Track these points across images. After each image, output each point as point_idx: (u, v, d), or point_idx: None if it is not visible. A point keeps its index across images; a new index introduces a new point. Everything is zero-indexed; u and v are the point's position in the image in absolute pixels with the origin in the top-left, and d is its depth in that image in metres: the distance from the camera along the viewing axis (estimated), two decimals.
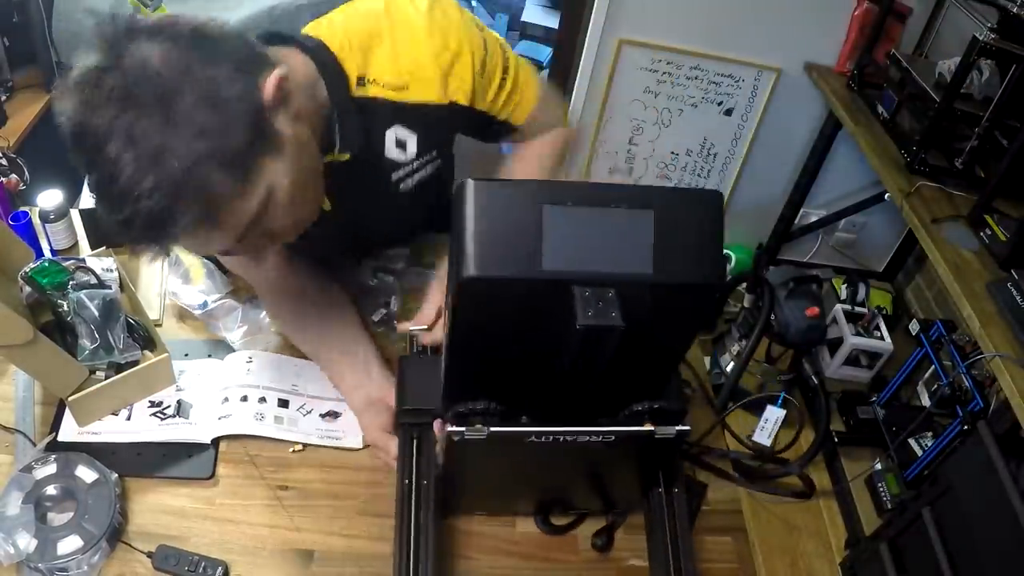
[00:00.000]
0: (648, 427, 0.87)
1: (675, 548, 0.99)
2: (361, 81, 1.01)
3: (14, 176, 1.71)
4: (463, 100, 1.08)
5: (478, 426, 0.83)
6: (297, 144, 0.85)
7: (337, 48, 0.99)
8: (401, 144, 1.08)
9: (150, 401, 1.15)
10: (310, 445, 1.13)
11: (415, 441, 1.01)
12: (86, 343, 1.10)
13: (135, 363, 1.14)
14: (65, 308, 1.09)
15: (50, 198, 1.32)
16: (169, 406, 1.15)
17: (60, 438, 1.09)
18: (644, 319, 0.75)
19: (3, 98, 2.15)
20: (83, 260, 1.16)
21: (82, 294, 1.09)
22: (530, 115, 1.18)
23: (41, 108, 2.19)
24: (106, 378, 1.10)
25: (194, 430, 1.12)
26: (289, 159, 0.83)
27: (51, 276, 1.10)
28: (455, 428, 0.82)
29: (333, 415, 1.18)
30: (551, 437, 0.84)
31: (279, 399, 1.17)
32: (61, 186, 1.35)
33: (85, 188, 1.34)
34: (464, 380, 0.89)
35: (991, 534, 1.72)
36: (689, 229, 0.76)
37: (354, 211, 1.08)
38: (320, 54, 0.97)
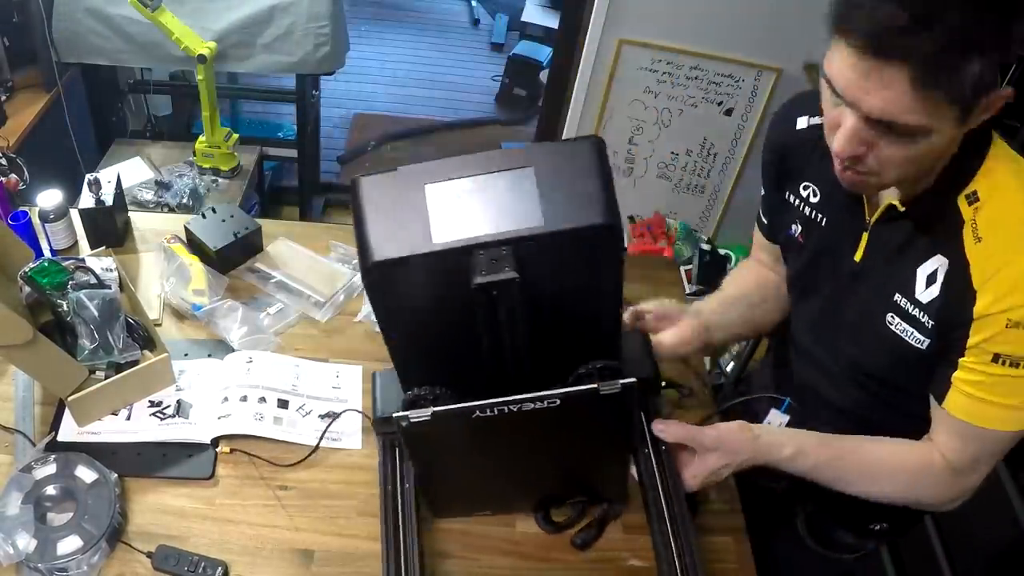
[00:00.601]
0: (590, 385, 0.85)
1: (668, 498, 0.99)
2: (972, 198, 0.87)
3: (14, 176, 1.71)
4: (978, 307, 0.85)
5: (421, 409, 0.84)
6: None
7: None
8: (931, 279, 0.90)
9: (150, 401, 1.15)
10: (309, 446, 1.13)
11: (395, 449, 1.02)
12: (86, 343, 1.10)
13: (135, 363, 1.14)
14: (65, 308, 1.09)
15: (50, 198, 1.32)
16: (169, 406, 1.15)
17: (60, 438, 1.09)
18: (549, 271, 0.77)
19: (3, 98, 2.15)
20: (83, 260, 1.16)
21: (82, 294, 1.09)
22: (967, 428, 0.91)
23: (41, 108, 2.19)
24: (106, 378, 1.10)
25: (194, 430, 1.12)
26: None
27: (51, 276, 1.10)
28: (400, 413, 0.84)
29: (332, 416, 1.18)
30: (496, 410, 0.84)
31: (279, 399, 1.17)
32: (61, 186, 1.35)
33: (85, 188, 1.34)
34: (413, 374, 0.91)
35: (991, 534, 1.72)
36: (573, 177, 0.77)
37: (862, 284, 0.99)
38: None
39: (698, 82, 2.62)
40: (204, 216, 1.40)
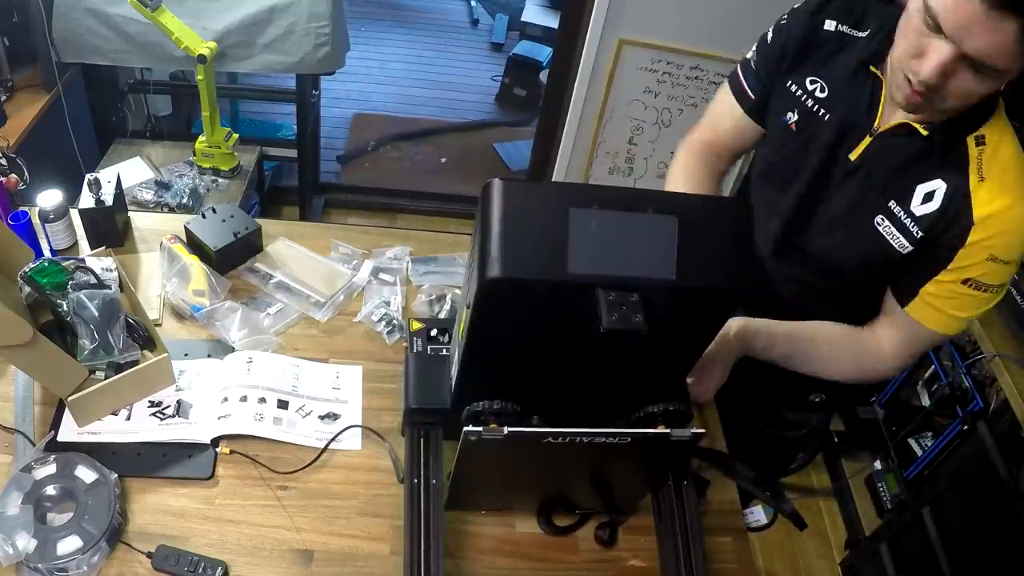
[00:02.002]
0: (664, 430, 0.87)
1: (684, 533, 1.00)
2: (980, 140, 0.99)
3: (14, 176, 1.70)
4: (972, 237, 0.99)
5: (494, 426, 0.82)
6: None
7: None
8: (927, 197, 1.02)
9: (150, 401, 1.15)
10: (309, 447, 1.13)
11: (423, 440, 1.01)
12: (86, 343, 1.10)
13: (135, 363, 1.13)
14: (65, 308, 1.09)
15: (50, 198, 1.32)
16: (169, 406, 1.15)
17: (60, 438, 1.09)
18: (665, 323, 0.75)
19: (3, 98, 2.15)
20: (83, 260, 1.16)
21: (82, 294, 1.09)
22: (917, 328, 1.07)
23: (41, 108, 2.19)
24: (106, 378, 1.10)
25: (194, 430, 1.12)
26: None
27: (51, 276, 1.10)
28: (472, 428, 0.81)
29: (332, 416, 1.18)
30: (567, 438, 0.83)
31: (278, 400, 1.17)
32: (61, 186, 1.35)
33: (85, 188, 1.34)
34: (478, 380, 0.89)
35: (991, 534, 1.73)
36: (712, 236, 0.76)
37: (852, 183, 1.08)
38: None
39: (698, 82, 2.62)
40: (204, 216, 1.40)
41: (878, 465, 2.29)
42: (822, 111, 1.10)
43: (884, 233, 1.06)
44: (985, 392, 2.02)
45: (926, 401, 2.27)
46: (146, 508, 1.04)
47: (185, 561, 0.97)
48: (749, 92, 1.20)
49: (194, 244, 1.38)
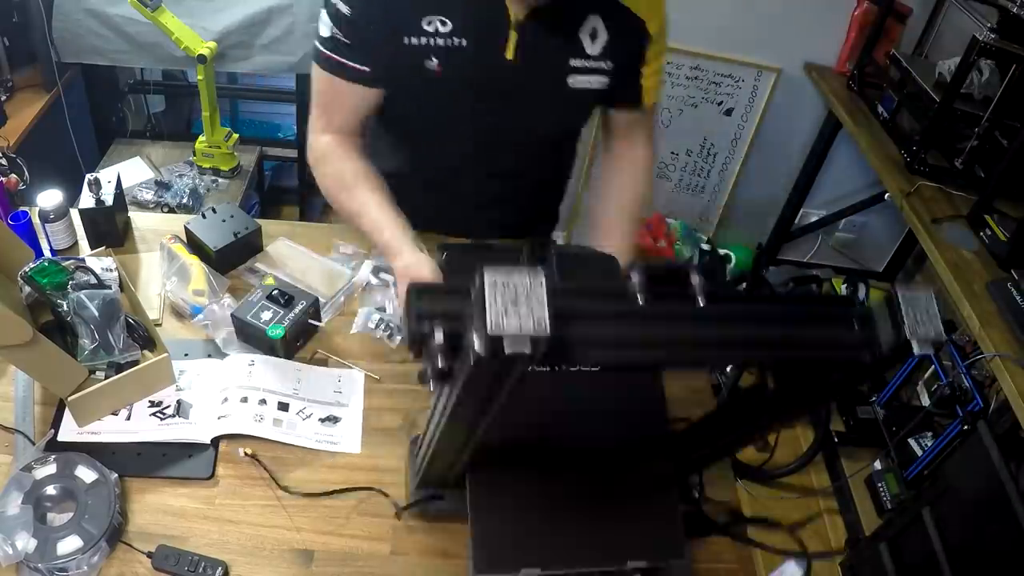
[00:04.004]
0: None
1: None
2: None
3: (14, 176, 1.71)
4: (652, 29, 1.17)
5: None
6: None
7: None
8: (593, 35, 1.14)
9: (150, 401, 1.15)
10: (308, 449, 1.13)
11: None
12: (86, 343, 1.10)
13: (135, 363, 1.14)
14: (65, 308, 1.09)
15: (50, 198, 1.32)
16: (169, 406, 1.15)
17: (60, 438, 1.09)
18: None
19: (3, 98, 2.15)
20: (83, 260, 1.16)
21: (82, 294, 1.09)
22: (653, 106, 1.27)
23: (41, 108, 2.20)
24: (106, 378, 1.10)
25: (194, 430, 1.12)
26: None
27: (51, 276, 1.10)
28: None
29: (332, 420, 1.18)
30: None
31: (279, 402, 1.17)
32: (61, 186, 1.35)
33: (85, 188, 1.34)
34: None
35: (991, 534, 1.72)
36: None
37: (526, 74, 1.16)
38: None
39: (698, 82, 2.62)
40: (204, 216, 1.40)
41: (878, 465, 2.29)
42: (458, 40, 1.12)
43: (582, 86, 1.18)
44: (985, 392, 2.02)
45: (926, 401, 2.27)
46: (146, 508, 1.04)
47: (185, 561, 0.97)
48: (360, 66, 1.16)
49: (194, 244, 1.38)
